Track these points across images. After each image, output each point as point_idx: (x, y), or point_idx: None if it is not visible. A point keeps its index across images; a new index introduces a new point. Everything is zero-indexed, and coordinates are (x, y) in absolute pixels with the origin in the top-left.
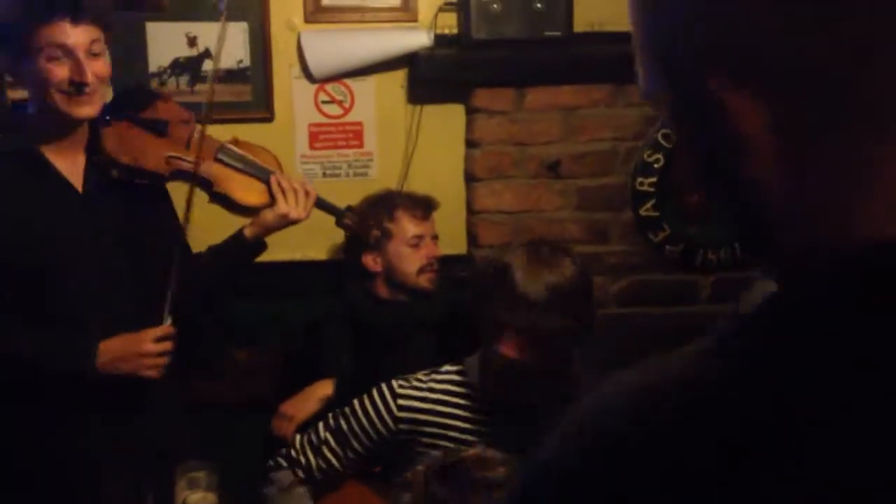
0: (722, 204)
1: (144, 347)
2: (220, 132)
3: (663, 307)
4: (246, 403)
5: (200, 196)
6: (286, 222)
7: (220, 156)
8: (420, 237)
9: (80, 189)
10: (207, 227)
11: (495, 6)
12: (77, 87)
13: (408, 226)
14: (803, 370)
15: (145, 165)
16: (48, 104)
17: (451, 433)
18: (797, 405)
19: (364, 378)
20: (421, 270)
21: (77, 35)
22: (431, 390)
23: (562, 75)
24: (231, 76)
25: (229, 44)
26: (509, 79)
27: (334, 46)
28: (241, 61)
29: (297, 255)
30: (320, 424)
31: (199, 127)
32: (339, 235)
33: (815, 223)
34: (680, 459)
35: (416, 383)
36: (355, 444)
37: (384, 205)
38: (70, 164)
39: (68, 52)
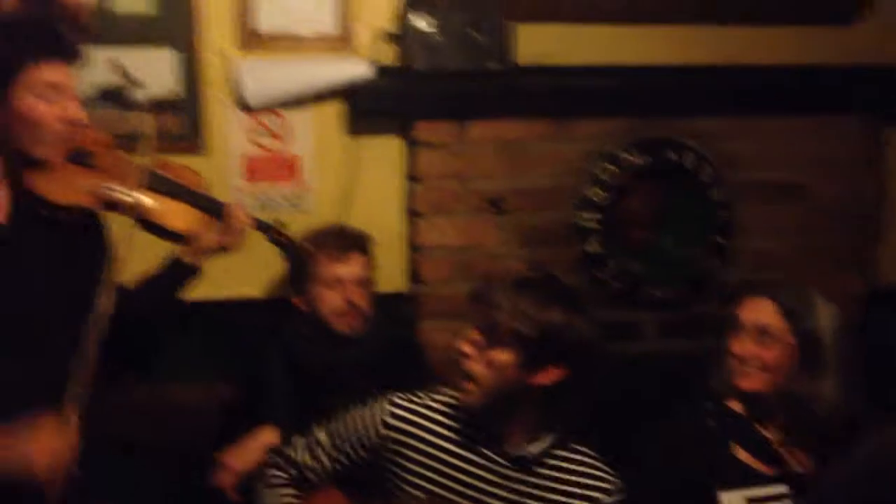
0: None
1: (46, 435)
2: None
3: (609, 343)
4: (178, 450)
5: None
6: (223, 251)
7: (150, 182)
8: (338, 279)
9: (2, 222)
10: (139, 255)
11: (435, 37)
12: (71, 128)
13: (326, 266)
14: None
15: (72, 201)
16: (19, 143)
17: (438, 454)
18: None
19: (306, 422)
20: (338, 313)
21: (68, 76)
22: (427, 407)
23: (504, 108)
24: (161, 106)
25: (158, 71)
26: (451, 111)
27: (270, 76)
28: (171, 90)
29: (234, 293)
30: (317, 428)
31: (124, 155)
32: (276, 273)
33: None
34: None
35: (412, 397)
36: (346, 446)
37: (309, 243)
38: None
39: (59, 92)
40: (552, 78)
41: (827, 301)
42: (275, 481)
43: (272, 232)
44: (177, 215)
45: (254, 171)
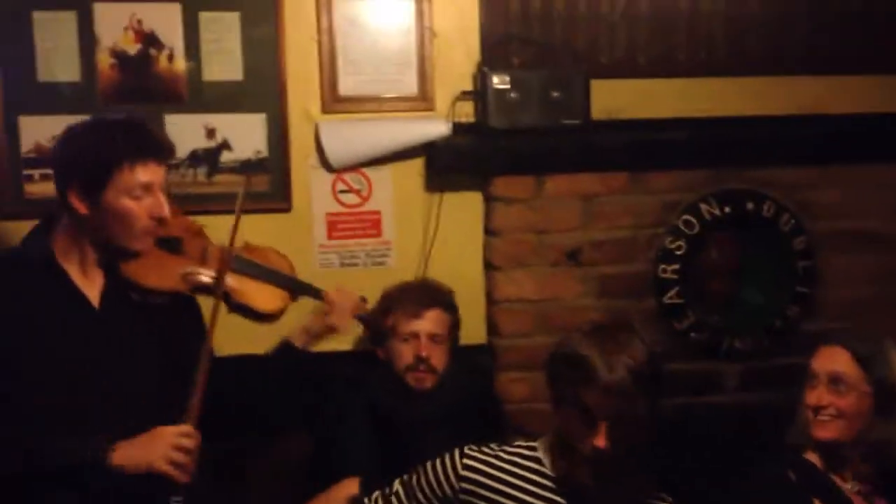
0: None
1: (165, 436)
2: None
3: (688, 397)
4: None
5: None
6: (332, 333)
7: (236, 266)
8: (414, 334)
9: (96, 305)
10: (229, 334)
11: (512, 95)
12: (160, 223)
13: (403, 322)
14: None
15: (163, 286)
16: (113, 239)
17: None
18: None
19: (388, 474)
20: (408, 368)
21: (159, 174)
22: (499, 458)
23: (580, 163)
24: (248, 167)
25: (247, 134)
26: (528, 167)
27: (352, 136)
28: (258, 152)
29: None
30: (396, 480)
31: (212, 240)
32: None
33: None
34: None
35: (485, 449)
36: (420, 497)
37: (388, 298)
38: (87, 281)
39: (149, 190)
40: (628, 132)
41: None
42: None
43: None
44: (262, 296)
45: (337, 227)
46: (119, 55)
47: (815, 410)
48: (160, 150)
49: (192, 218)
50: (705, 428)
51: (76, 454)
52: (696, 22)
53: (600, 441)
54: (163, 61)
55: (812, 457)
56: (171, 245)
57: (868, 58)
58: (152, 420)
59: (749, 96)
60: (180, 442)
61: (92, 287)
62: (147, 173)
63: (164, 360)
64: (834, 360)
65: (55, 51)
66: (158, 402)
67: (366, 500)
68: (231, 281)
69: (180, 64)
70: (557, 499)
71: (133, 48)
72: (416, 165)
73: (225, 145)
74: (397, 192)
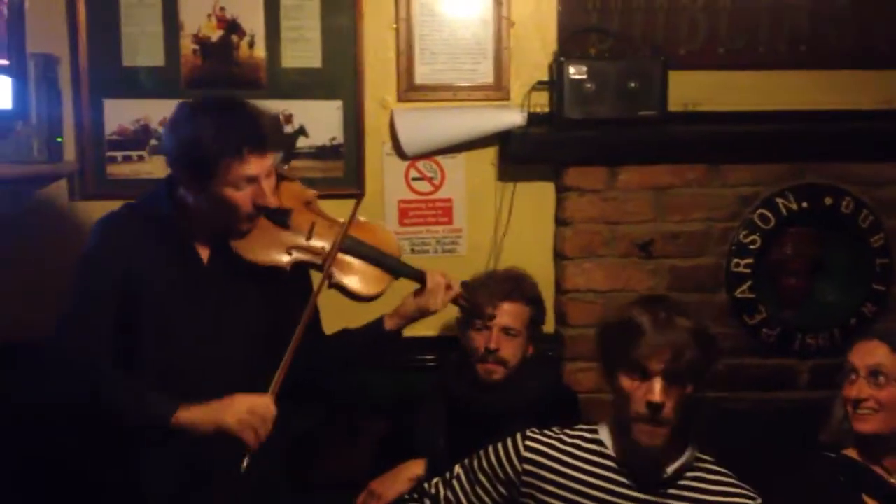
0: None
1: (240, 400)
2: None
3: (759, 392)
4: (339, 482)
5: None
6: (426, 315)
7: (342, 244)
8: (487, 326)
9: (205, 262)
10: (333, 307)
11: (588, 86)
12: (259, 210)
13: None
14: None
15: (267, 261)
16: (219, 221)
17: (574, 485)
18: None
19: (456, 461)
20: (478, 358)
21: (264, 165)
22: (561, 441)
23: (655, 155)
24: (324, 152)
25: (324, 120)
26: (602, 157)
27: (426, 124)
28: (334, 138)
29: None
30: (457, 465)
31: (322, 211)
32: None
33: None
34: None
35: (546, 432)
36: (483, 481)
37: (469, 286)
38: (199, 244)
39: (252, 181)
40: (705, 124)
41: None
42: None
43: (457, 296)
44: (364, 279)
45: (408, 214)
46: (202, 41)
47: (854, 404)
48: (263, 143)
49: (304, 186)
50: (774, 424)
51: (144, 411)
52: (778, 14)
53: (654, 395)
54: (244, 48)
55: (851, 453)
56: (279, 217)
57: None
58: (249, 375)
59: (830, 90)
60: (255, 406)
61: (204, 249)
62: (251, 167)
63: (268, 321)
64: (873, 353)
65: (140, 36)
66: (257, 358)
67: (426, 484)
68: (335, 259)
69: (260, 50)
70: (620, 479)
71: (215, 34)
72: (489, 154)
73: (301, 131)
74: (469, 180)
